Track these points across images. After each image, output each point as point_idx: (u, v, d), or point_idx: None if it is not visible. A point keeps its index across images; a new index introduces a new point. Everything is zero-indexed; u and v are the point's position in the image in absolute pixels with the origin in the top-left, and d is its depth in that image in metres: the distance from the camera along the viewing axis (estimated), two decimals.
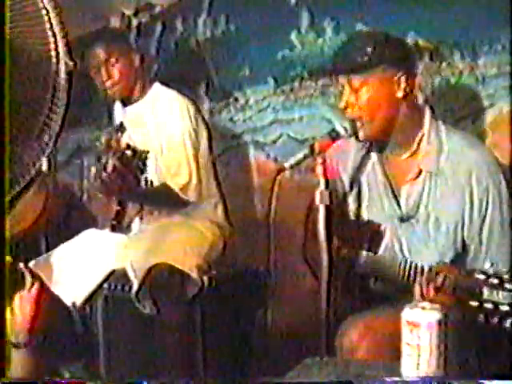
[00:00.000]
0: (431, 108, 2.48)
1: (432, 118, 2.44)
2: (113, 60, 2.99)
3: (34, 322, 2.09)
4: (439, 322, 1.82)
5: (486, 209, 2.37)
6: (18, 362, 2.05)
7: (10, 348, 2.06)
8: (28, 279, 2.14)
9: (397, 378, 1.86)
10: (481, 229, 2.38)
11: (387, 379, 1.89)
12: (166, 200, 2.95)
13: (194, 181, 2.92)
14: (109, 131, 3.01)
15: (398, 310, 1.87)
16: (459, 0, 2.87)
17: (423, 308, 1.84)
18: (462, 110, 2.90)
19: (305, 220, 2.48)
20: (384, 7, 2.94)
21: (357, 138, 2.43)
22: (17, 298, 2.09)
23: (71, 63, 1.83)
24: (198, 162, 2.95)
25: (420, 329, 1.81)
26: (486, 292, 1.95)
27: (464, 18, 2.84)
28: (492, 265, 1.98)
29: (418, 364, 1.82)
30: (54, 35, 1.82)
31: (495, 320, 1.91)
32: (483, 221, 2.37)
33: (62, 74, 1.81)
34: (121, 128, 2.93)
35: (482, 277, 1.96)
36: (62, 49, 1.84)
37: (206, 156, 3.01)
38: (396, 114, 2.41)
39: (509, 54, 2.78)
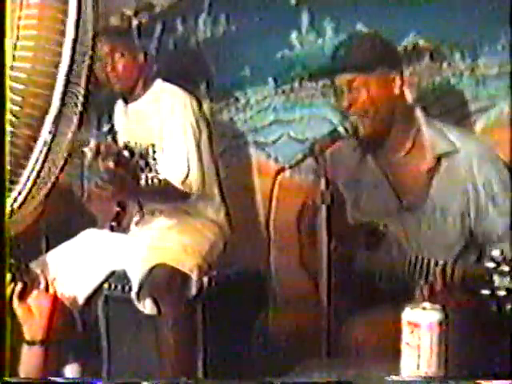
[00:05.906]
0: (423, 107, 2.56)
1: (425, 116, 2.51)
2: (117, 55, 2.99)
3: (51, 320, 2.09)
4: (440, 323, 1.82)
5: (493, 196, 2.38)
6: (27, 361, 2.06)
7: (22, 346, 2.06)
8: (43, 279, 2.15)
9: (397, 378, 1.86)
10: (487, 214, 2.38)
11: (387, 379, 1.89)
12: (168, 194, 2.93)
13: (194, 171, 2.91)
14: (98, 135, 3.00)
15: (399, 310, 1.87)
16: (459, 0, 2.86)
17: (424, 308, 1.84)
18: (462, 110, 2.90)
19: (296, 225, 2.50)
20: (384, 7, 2.94)
21: (357, 138, 2.45)
22: (33, 296, 2.10)
23: None
24: (199, 154, 2.94)
25: (420, 329, 1.81)
26: (497, 279, 1.95)
27: (464, 17, 2.84)
28: (502, 252, 1.97)
29: (419, 364, 1.82)
30: None
31: (508, 307, 1.90)
32: (488, 207, 2.38)
33: None
34: (112, 131, 2.92)
35: (491, 264, 1.96)
36: None
37: (207, 153, 3.01)
38: (393, 112, 2.48)
39: (509, 54, 2.78)
